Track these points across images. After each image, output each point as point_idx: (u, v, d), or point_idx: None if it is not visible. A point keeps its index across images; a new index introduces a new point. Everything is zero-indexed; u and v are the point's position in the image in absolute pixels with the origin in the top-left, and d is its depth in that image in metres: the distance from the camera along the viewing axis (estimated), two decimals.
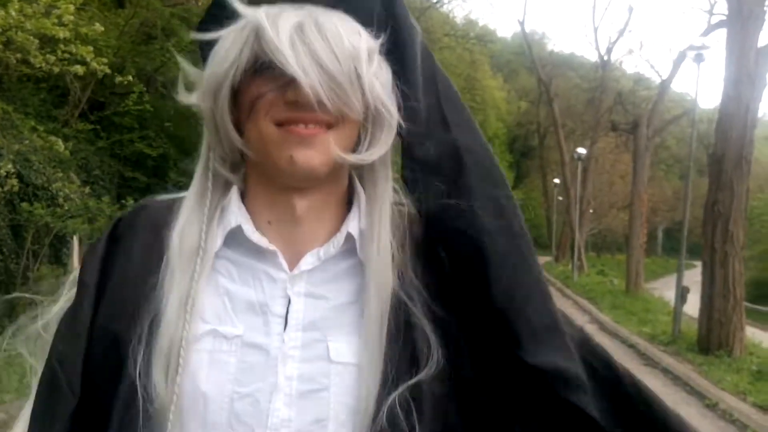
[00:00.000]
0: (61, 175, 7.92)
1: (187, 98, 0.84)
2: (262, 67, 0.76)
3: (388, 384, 0.77)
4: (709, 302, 9.98)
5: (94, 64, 6.64)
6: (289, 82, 0.75)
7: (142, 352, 0.78)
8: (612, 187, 34.20)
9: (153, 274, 0.82)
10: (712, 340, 9.83)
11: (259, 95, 0.77)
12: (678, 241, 13.50)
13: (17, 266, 8.19)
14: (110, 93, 11.21)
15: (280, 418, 0.77)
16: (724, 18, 11.51)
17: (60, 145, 7.35)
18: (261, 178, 0.84)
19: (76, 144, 9.35)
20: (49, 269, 8.23)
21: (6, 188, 6.97)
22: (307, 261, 0.84)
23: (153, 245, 0.84)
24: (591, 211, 31.26)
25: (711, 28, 15.44)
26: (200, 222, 0.83)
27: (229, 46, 0.77)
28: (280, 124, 0.78)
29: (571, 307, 17.17)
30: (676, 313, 11.68)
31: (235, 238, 0.84)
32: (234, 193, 0.85)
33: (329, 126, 0.78)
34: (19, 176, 7.45)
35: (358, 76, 0.77)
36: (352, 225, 0.85)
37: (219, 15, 0.80)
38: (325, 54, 0.74)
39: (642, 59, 54.13)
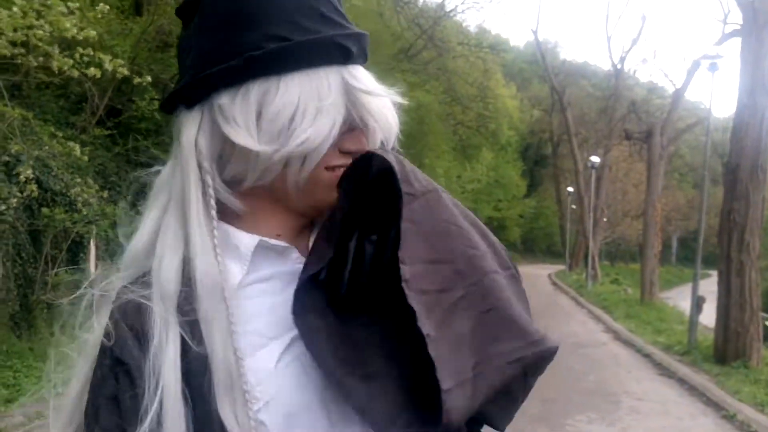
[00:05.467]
0: (79, 180, 7.98)
1: (245, 141, 0.78)
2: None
3: None
4: (725, 312, 9.89)
5: (109, 66, 6.59)
6: (354, 133, 0.82)
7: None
8: (626, 195, 34.08)
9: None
10: (728, 350, 9.74)
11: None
12: (692, 250, 13.40)
13: (35, 271, 8.27)
14: (127, 100, 11.30)
15: None
16: (739, 27, 11.47)
17: (78, 151, 7.40)
18: (276, 203, 0.84)
19: (93, 150, 9.42)
20: (67, 273, 8.30)
21: (25, 194, 7.03)
22: None
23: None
24: (605, 219, 31.15)
25: (725, 37, 15.39)
26: (214, 255, 0.78)
27: (333, 114, 0.79)
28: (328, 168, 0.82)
29: (585, 316, 17.08)
30: (692, 323, 11.59)
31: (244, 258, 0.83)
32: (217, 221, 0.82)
33: None
34: (38, 182, 7.52)
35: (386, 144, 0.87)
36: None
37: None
38: (390, 129, 0.86)
39: (656, 68, 54.19)
